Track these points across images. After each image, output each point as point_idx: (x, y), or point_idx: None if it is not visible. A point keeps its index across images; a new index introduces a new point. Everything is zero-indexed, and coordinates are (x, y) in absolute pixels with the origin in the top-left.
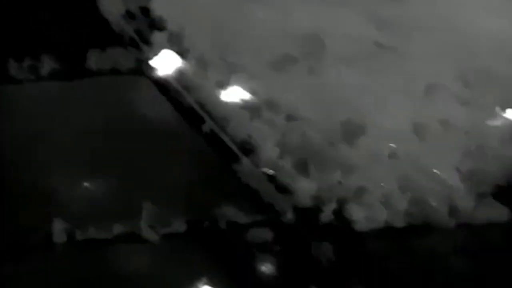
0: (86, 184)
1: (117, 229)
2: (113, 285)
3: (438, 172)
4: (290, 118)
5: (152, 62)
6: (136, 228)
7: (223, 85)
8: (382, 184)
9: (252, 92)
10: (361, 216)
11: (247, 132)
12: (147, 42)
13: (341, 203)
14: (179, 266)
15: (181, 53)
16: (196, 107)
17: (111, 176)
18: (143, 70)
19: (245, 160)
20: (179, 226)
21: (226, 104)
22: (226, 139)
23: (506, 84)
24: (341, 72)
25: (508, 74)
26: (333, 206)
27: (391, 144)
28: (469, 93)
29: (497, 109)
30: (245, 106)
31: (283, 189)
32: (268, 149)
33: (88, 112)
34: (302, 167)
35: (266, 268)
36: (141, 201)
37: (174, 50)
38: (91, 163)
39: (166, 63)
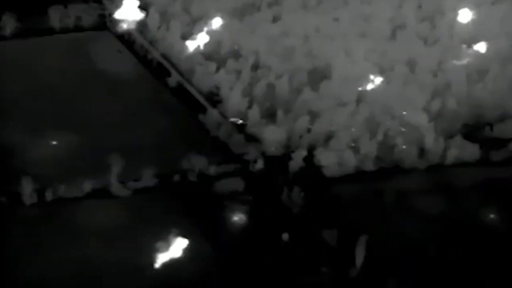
0: (53, 141)
1: (87, 186)
2: (87, 241)
3: (407, 114)
4: (255, 67)
5: (115, 17)
6: (107, 185)
7: (187, 36)
8: (351, 129)
9: (217, 42)
10: (331, 162)
11: (214, 83)
12: None
13: (311, 150)
14: (151, 220)
15: (144, 7)
16: (161, 60)
17: (79, 132)
18: (106, 25)
19: (213, 111)
20: (149, 180)
21: (191, 55)
22: (192, 91)
23: (472, 22)
24: (304, 18)
25: (473, 15)
26: (303, 153)
27: (358, 88)
28: (435, 34)
29: (464, 47)
30: (210, 57)
31: (252, 139)
32: (236, 99)
33: (52, 70)
34: (270, 116)
35: (238, 218)
36: (109, 156)
37: (136, 4)
38: (57, 120)
39: (129, 17)
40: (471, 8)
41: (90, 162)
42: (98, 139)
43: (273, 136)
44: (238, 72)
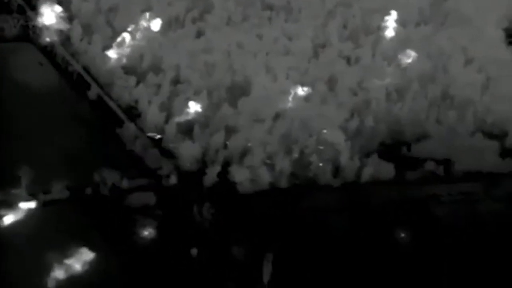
0: None
1: None
2: None
3: (324, 132)
4: (175, 81)
5: (39, 28)
6: (17, 197)
7: (109, 49)
8: (267, 145)
9: (139, 56)
10: (245, 178)
11: (133, 97)
12: (34, 8)
13: (226, 166)
14: (58, 233)
15: (68, 19)
16: (82, 72)
17: None
18: (29, 36)
19: (130, 125)
20: (60, 192)
21: (112, 69)
22: (111, 104)
23: (395, 42)
24: (228, 34)
25: (397, 32)
26: (217, 168)
27: (276, 105)
28: (357, 53)
29: (385, 66)
30: (131, 70)
31: (168, 153)
32: (154, 114)
33: None
34: (187, 131)
35: (147, 232)
36: (21, 167)
37: (60, 16)
38: None
39: (52, 29)
40: (395, 29)
41: (1, 173)
42: (12, 150)
43: (188, 151)
44: (158, 87)
